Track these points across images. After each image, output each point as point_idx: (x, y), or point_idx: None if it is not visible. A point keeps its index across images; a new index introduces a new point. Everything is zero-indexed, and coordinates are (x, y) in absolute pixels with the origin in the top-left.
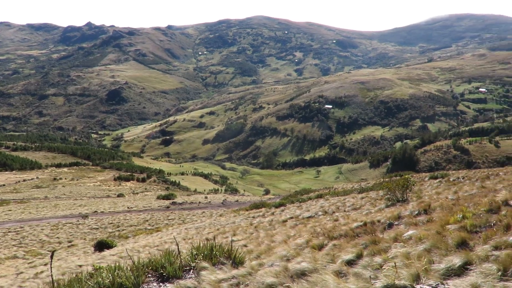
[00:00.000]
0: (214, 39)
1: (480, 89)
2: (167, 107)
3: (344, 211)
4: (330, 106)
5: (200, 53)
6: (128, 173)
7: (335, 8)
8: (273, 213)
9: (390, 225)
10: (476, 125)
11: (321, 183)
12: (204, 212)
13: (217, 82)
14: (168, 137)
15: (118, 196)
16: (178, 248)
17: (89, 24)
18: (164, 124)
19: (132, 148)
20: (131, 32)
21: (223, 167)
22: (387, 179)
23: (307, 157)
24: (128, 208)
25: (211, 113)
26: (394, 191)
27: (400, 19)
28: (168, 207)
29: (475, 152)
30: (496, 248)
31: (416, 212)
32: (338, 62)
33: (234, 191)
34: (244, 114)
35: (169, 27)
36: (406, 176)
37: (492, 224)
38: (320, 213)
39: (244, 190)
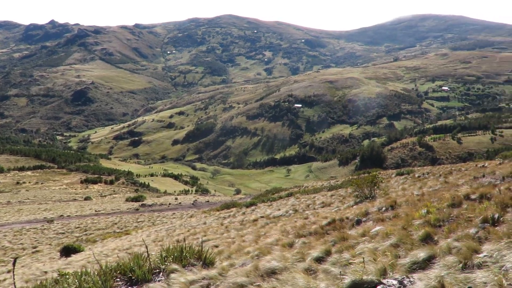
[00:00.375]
0: (183, 38)
1: (443, 88)
2: (135, 108)
3: (314, 209)
4: (300, 105)
5: (169, 52)
6: (96, 176)
7: (303, 8)
8: (244, 213)
9: (358, 222)
10: (439, 123)
11: (292, 182)
12: (174, 213)
13: (186, 81)
14: (136, 138)
15: (85, 199)
16: (147, 251)
17: (52, 22)
18: (133, 125)
19: (100, 150)
20: (97, 31)
21: (194, 168)
22: (355, 177)
23: (278, 156)
24: (95, 211)
25: (181, 113)
26: (362, 188)
27: (367, 19)
28: (137, 209)
29: (439, 148)
30: (458, 240)
31: (383, 208)
32: (307, 62)
33: (205, 191)
34: (214, 114)
35: (137, 25)
36: (374, 173)
37: (454, 218)
38: (290, 211)
39: (215, 190)
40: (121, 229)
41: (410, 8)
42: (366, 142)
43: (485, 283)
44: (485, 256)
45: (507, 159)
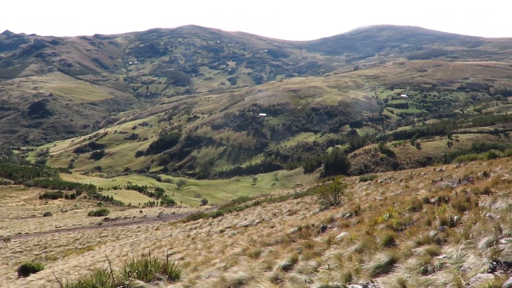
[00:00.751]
0: (145, 49)
1: (402, 95)
2: (96, 119)
3: (281, 217)
4: (264, 114)
5: (130, 62)
6: (56, 190)
7: (265, 19)
8: (210, 224)
9: (324, 228)
10: (399, 129)
11: (258, 191)
12: (139, 226)
13: (149, 92)
14: (98, 151)
15: (45, 215)
16: (110, 267)
17: (7, 33)
18: (94, 137)
19: (60, 164)
20: (55, 41)
21: (159, 179)
22: (320, 184)
23: (244, 165)
24: (56, 227)
25: (144, 124)
26: (327, 195)
27: (327, 29)
28: (100, 223)
29: (400, 154)
30: (419, 243)
31: (347, 214)
32: (270, 71)
33: (171, 203)
34: (178, 124)
35: (97, 36)
36: (338, 180)
37: (415, 221)
38: (257, 220)
39: (181, 202)
40: (84, 245)
41: (369, 19)
42: (330, 149)
43: (445, 284)
44: (444, 257)
45: (462, 162)
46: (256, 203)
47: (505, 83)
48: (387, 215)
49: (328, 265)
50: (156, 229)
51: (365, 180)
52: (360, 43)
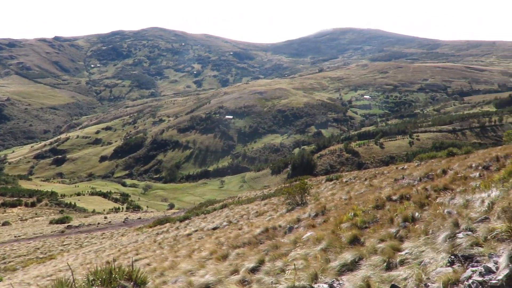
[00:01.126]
0: (108, 51)
1: (365, 96)
2: (57, 124)
3: (248, 219)
4: (231, 117)
5: (92, 65)
6: (15, 198)
7: (230, 21)
8: (177, 228)
9: (291, 229)
10: (363, 129)
11: (226, 193)
12: (104, 233)
13: (113, 95)
14: (60, 156)
15: (3, 224)
16: (72, 275)
17: None
18: (55, 142)
19: (19, 170)
20: (12, 44)
21: (124, 184)
22: (287, 185)
23: (211, 168)
24: (15, 237)
25: (108, 128)
26: (294, 195)
27: (292, 32)
28: (63, 231)
29: (364, 153)
30: (382, 240)
31: (314, 214)
32: (236, 73)
33: (137, 208)
34: (143, 128)
35: (57, 38)
36: (304, 180)
37: (378, 219)
38: (225, 223)
39: (148, 207)
40: (45, 254)
41: (332, 22)
42: (296, 150)
43: (406, 279)
44: (406, 253)
45: (423, 161)
46: (224, 206)
47: (461, 84)
48: (352, 213)
49: (295, 265)
50: (122, 235)
51: (331, 180)
52: (324, 45)
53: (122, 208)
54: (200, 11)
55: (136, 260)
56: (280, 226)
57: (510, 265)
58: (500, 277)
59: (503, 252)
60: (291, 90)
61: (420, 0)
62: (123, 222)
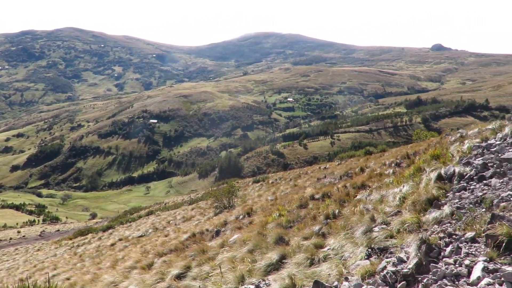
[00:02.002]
0: (17, 52)
1: (288, 99)
2: None
3: (175, 224)
4: (155, 121)
5: (0, 67)
6: None
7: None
8: (100, 238)
9: (218, 232)
10: (288, 131)
11: (152, 199)
12: (17, 249)
13: (24, 100)
14: None
15: None
16: None
17: None
18: None
19: None
20: None
21: (39, 195)
22: (215, 188)
23: (135, 174)
24: None
25: (20, 135)
26: (221, 199)
27: (215, 35)
28: None
29: (289, 154)
30: (306, 238)
31: (240, 216)
32: (160, 76)
33: (55, 220)
34: (60, 134)
35: None
36: (231, 183)
37: (302, 217)
38: (151, 230)
39: (67, 218)
40: None
41: (254, 26)
42: (223, 153)
43: (329, 274)
44: (328, 249)
45: (343, 160)
46: (150, 213)
47: (375, 86)
48: (277, 214)
49: (220, 269)
50: (38, 250)
51: (258, 181)
52: (248, 49)
53: (38, 220)
54: (120, 12)
55: (54, 276)
56: (207, 230)
57: (419, 254)
58: (410, 266)
59: (412, 243)
60: (217, 93)
61: (337, 7)
62: (39, 235)
